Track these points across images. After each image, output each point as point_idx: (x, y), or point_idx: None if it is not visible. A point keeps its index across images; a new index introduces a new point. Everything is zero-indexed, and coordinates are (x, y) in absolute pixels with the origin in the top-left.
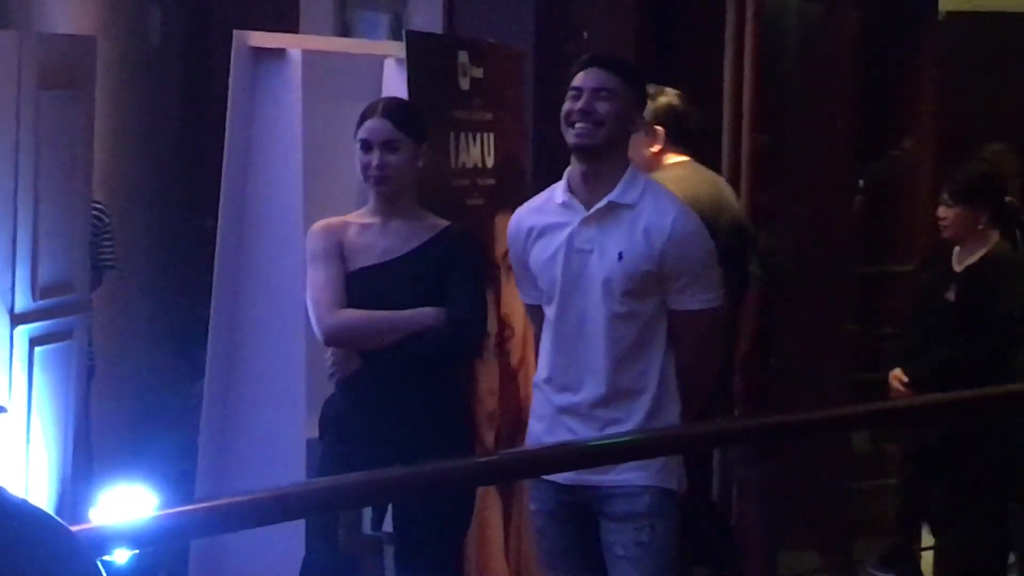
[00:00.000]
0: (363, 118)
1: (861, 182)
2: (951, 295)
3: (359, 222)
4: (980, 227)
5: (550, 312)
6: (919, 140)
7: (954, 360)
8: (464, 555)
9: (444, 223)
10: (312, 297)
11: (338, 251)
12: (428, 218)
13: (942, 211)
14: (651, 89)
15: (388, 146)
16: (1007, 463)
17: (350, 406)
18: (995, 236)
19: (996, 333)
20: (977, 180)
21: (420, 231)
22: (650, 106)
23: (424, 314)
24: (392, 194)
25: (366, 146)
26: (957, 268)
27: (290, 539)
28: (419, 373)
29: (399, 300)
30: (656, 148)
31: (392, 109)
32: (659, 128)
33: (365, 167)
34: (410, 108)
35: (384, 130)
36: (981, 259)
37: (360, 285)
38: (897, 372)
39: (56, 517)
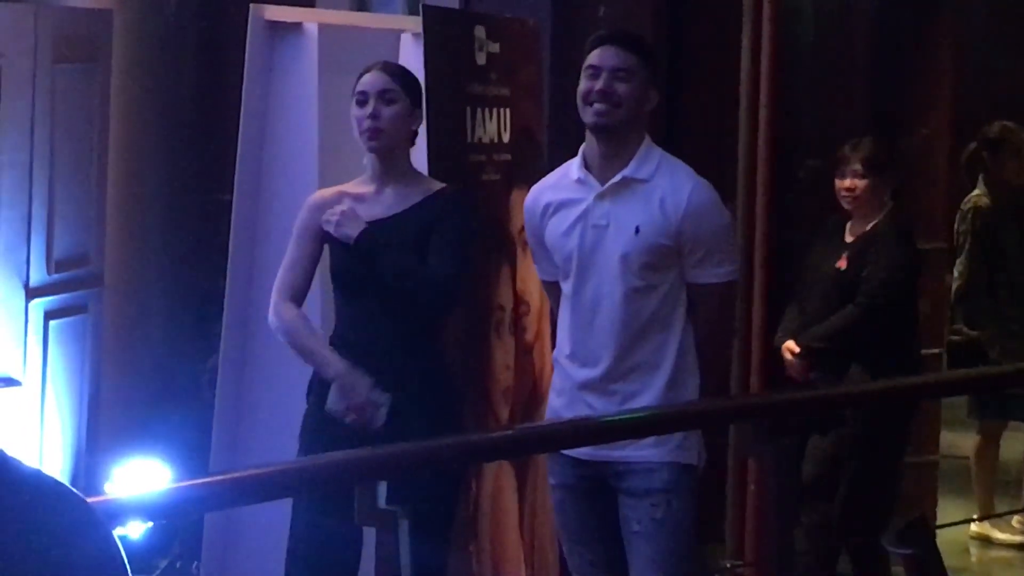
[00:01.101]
0: (359, 76)
1: None
2: (842, 264)
3: (354, 191)
4: (885, 197)
5: (567, 287)
6: (937, 118)
7: (842, 328)
8: (462, 527)
9: (439, 185)
10: (279, 274)
11: (317, 231)
12: (423, 182)
13: (849, 183)
14: None
15: (383, 97)
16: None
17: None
18: (889, 207)
19: (880, 300)
20: (889, 152)
21: (412, 195)
22: None
23: (337, 369)
24: (386, 151)
25: (362, 99)
26: (849, 239)
27: None
28: (404, 341)
29: (385, 262)
30: None
31: (391, 66)
32: None
33: (359, 121)
34: (408, 70)
35: (381, 81)
36: (872, 228)
37: (345, 250)
38: (789, 343)
39: (72, 487)
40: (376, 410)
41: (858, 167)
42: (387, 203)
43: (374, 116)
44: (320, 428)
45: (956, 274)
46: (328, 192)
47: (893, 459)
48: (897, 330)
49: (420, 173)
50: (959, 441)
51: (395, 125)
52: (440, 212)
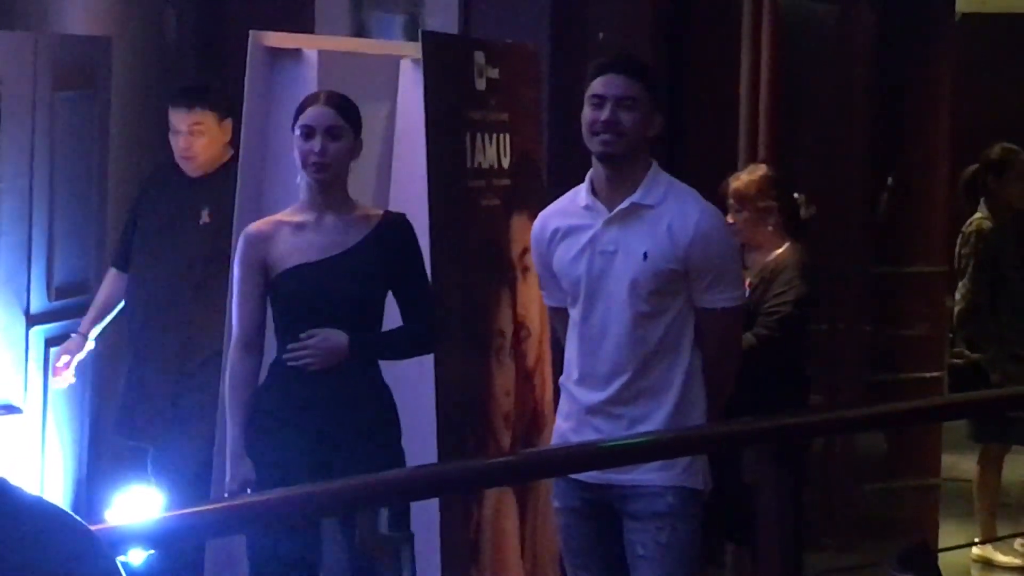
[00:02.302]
0: (303, 107)
1: (890, 179)
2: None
3: (292, 221)
4: (770, 229)
5: (575, 313)
6: (936, 141)
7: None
8: (463, 551)
9: (378, 212)
10: (234, 317)
11: (258, 262)
12: (359, 208)
13: (730, 217)
14: None
15: (330, 132)
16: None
17: (279, 398)
18: (791, 239)
19: (778, 333)
20: (759, 183)
21: (357, 224)
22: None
23: (233, 447)
24: (328, 184)
25: (308, 132)
26: (749, 267)
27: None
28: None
29: (346, 295)
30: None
31: (335, 98)
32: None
33: (305, 154)
34: (350, 100)
35: (328, 116)
36: (775, 260)
37: (298, 281)
38: None
39: (74, 515)
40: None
41: (731, 202)
42: (331, 233)
43: (321, 152)
44: (260, 457)
45: (958, 297)
46: (265, 223)
47: (790, 500)
48: (785, 363)
49: (351, 198)
50: (960, 464)
51: (341, 159)
52: (399, 246)
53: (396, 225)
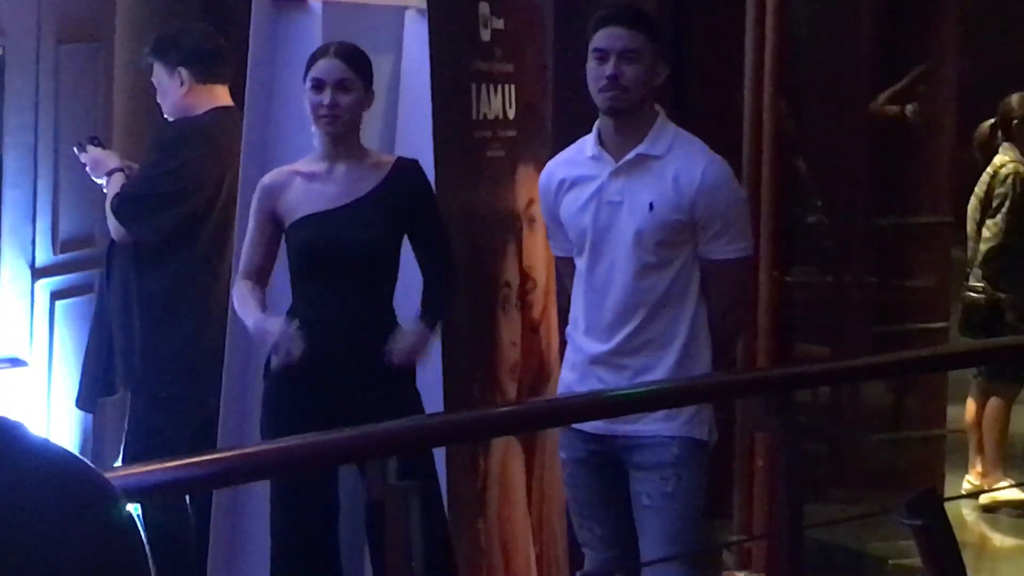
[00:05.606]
0: (314, 59)
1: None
2: None
3: (306, 170)
4: None
5: (581, 264)
6: (942, 93)
7: None
8: (469, 503)
9: (390, 159)
10: (241, 260)
11: (269, 213)
12: (371, 157)
13: None
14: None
15: (340, 86)
16: None
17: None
18: None
19: None
20: None
21: (369, 172)
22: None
23: (254, 317)
24: (340, 135)
25: (318, 85)
26: None
27: None
28: (368, 317)
29: (356, 244)
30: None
31: (345, 50)
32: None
33: (316, 107)
34: (361, 51)
35: (337, 70)
36: None
37: (308, 231)
38: None
39: (87, 461)
40: (291, 342)
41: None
42: (342, 182)
43: (332, 105)
44: (280, 406)
45: (988, 234)
46: (278, 174)
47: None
48: None
49: (364, 147)
50: (965, 415)
51: (352, 112)
52: (415, 192)
53: (408, 171)
